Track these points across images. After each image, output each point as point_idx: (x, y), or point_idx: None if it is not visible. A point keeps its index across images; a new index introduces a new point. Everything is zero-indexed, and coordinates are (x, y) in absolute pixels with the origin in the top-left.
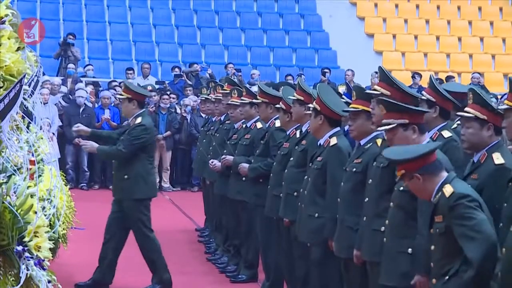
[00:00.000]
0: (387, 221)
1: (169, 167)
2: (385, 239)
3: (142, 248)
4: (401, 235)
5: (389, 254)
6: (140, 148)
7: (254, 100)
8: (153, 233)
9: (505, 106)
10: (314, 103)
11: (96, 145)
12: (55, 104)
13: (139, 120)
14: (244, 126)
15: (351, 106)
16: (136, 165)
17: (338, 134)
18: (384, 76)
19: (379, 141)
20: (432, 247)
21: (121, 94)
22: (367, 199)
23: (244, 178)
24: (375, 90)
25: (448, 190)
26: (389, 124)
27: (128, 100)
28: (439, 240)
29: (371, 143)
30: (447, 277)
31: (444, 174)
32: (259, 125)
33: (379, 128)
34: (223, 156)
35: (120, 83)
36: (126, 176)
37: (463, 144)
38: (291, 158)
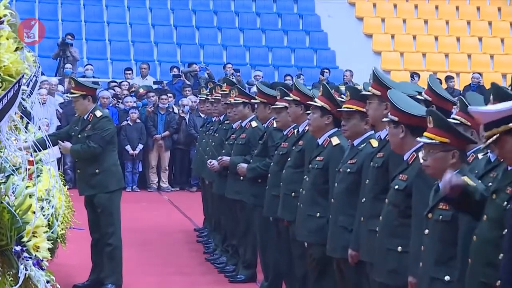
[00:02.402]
0: (380, 218)
1: (167, 167)
2: (377, 235)
3: (105, 239)
4: (392, 233)
5: (380, 250)
6: (109, 140)
7: (245, 100)
8: (120, 231)
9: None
10: (319, 101)
11: (69, 145)
12: (55, 110)
13: (99, 113)
14: (240, 125)
15: (345, 106)
16: (106, 157)
17: (338, 134)
18: (376, 78)
19: (373, 142)
20: (426, 231)
21: (72, 93)
22: (364, 199)
23: (242, 178)
24: (368, 91)
25: (469, 183)
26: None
27: (83, 97)
28: (437, 226)
29: (365, 144)
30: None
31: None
32: (254, 124)
33: (383, 120)
34: (220, 157)
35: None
36: (97, 171)
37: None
38: (289, 159)
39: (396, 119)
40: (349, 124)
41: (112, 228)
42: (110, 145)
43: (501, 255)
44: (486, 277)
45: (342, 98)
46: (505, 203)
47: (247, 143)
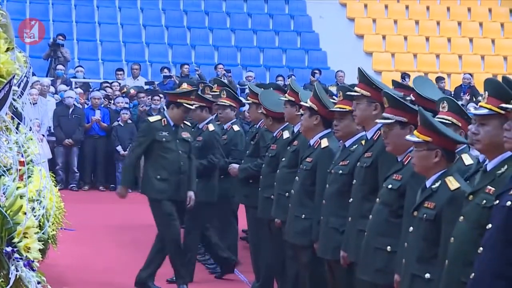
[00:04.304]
0: (370, 216)
1: None
2: (366, 233)
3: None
4: (382, 232)
5: (367, 249)
6: None
7: (202, 104)
8: None
9: (485, 111)
10: (309, 102)
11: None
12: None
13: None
14: (197, 127)
15: (337, 106)
16: None
17: (329, 136)
18: (363, 78)
19: (364, 143)
20: (411, 229)
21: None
22: (351, 199)
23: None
24: (355, 91)
25: (453, 183)
26: (388, 118)
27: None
28: (421, 225)
29: (356, 145)
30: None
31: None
32: (211, 127)
33: (378, 121)
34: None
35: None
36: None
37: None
38: (283, 159)
39: (405, 119)
40: (342, 125)
41: None
42: None
43: (481, 248)
44: (466, 277)
45: (334, 99)
46: (484, 201)
47: (203, 146)
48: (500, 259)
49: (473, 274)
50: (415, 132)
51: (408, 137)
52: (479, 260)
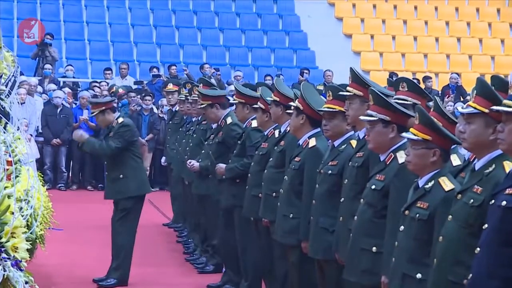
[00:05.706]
0: (355, 217)
1: (148, 168)
2: (351, 234)
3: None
4: (367, 233)
5: (353, 249)
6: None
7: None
8: None
9: (470, 110)
10: (296, 102)
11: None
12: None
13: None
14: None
15: (326, 106)
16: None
17: (318, 135)
18: (356, 77)
19: (353, 142)
20: (401, 228)
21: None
22: (343, 199)
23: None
24: (347, 91)
25: (448, 184)
26: (371, 116)
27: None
28: (413, 224)
29: (345, 145)
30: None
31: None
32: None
33: (361, 117)
34: (189, 161)
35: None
36: None
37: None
38: (270, 159)
39: (388, 118)
40: (331, 124)
41: None
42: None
43: (478, 249)
44: (454, 276)
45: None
46: (471, 200)
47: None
48: (495, 259)
49: (470, 275)
50: (411, 130)
51: (404, 134)
52: (476, 260)
